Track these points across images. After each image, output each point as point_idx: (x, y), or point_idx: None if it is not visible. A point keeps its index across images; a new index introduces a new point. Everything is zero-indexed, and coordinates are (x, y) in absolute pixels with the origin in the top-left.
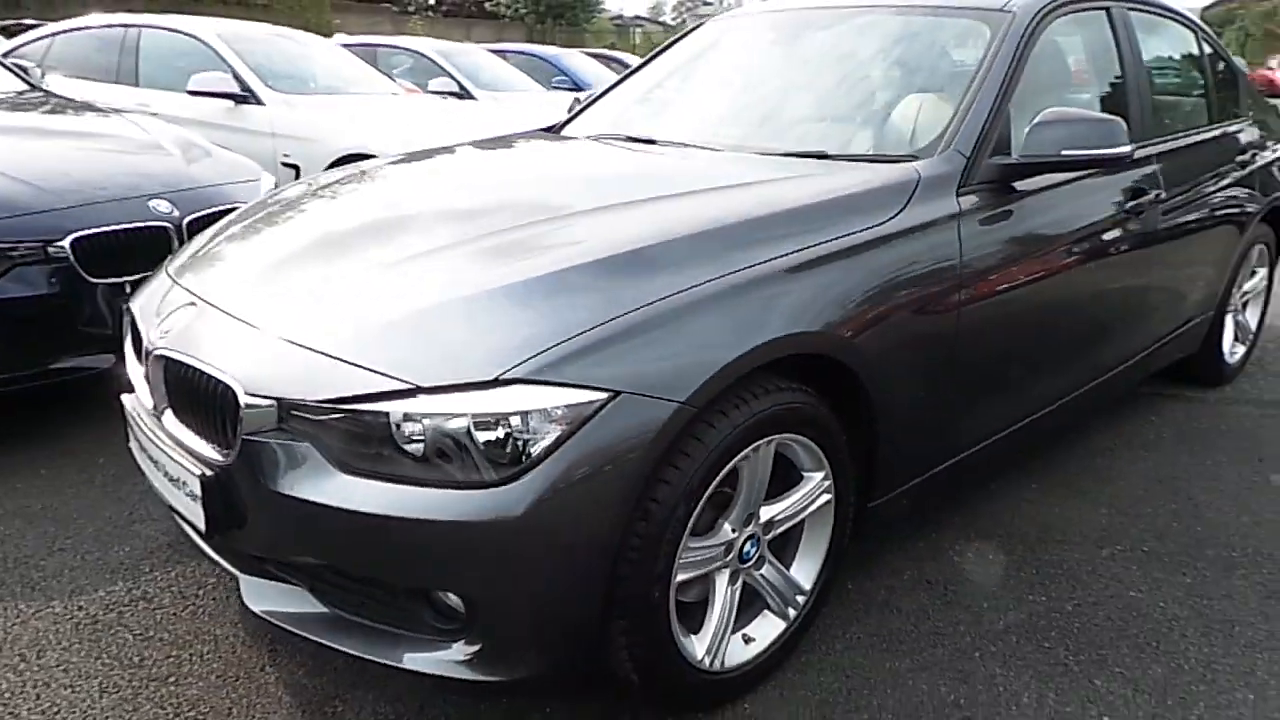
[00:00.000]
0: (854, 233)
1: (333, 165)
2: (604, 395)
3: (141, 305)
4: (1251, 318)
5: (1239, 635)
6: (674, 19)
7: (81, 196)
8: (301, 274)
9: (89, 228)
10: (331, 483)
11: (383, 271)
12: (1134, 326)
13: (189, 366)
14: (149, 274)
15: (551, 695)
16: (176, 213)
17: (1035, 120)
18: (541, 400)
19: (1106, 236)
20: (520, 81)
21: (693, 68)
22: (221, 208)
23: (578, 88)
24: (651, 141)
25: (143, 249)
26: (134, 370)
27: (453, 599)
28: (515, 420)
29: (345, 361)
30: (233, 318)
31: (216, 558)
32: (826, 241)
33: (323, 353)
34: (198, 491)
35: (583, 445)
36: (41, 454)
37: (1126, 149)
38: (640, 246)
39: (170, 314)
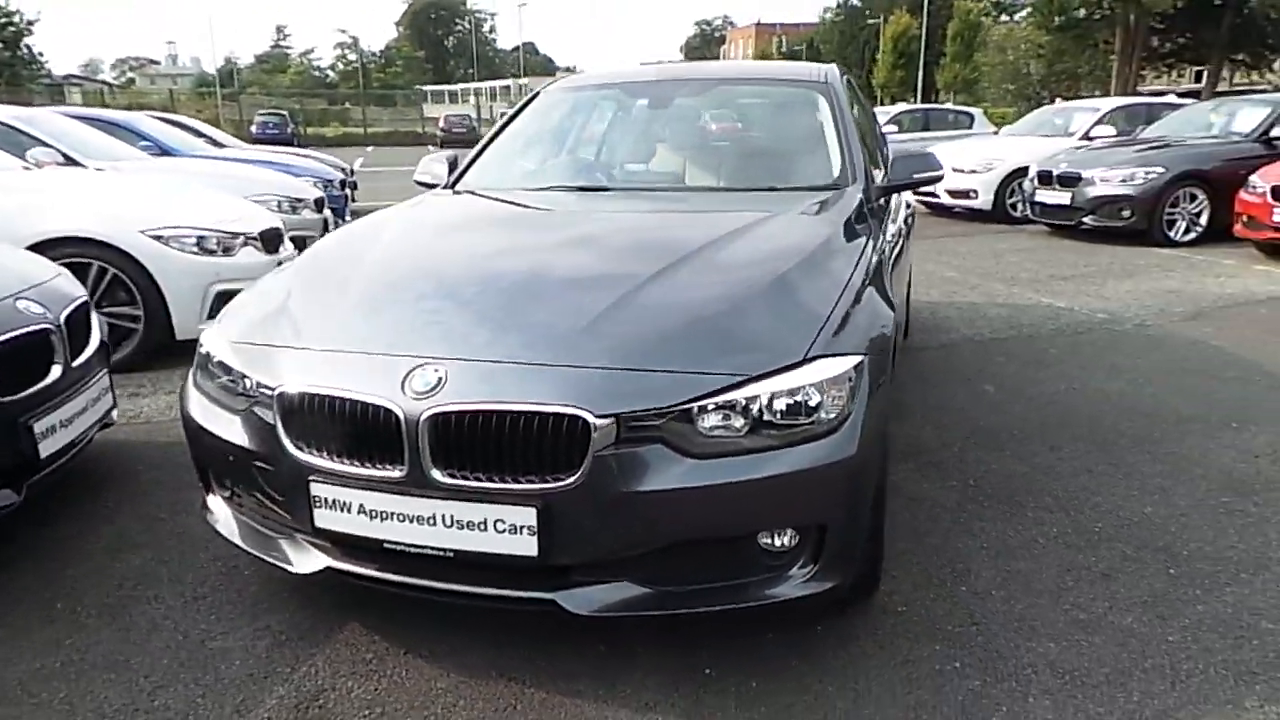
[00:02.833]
0: (860, 227)
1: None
2: (861, 357)
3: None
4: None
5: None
6: (115, 76)
7: None
8: (538, 313)
9: None
10: (686, 470)
11: (618, 299)
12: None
13: (498, 413)
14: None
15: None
16: (50, 313)
17: (893, 158)
18: (839, 366)
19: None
20: (123, 149)
21: (572, 127)
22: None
23: (164, 153)
24: (605, 189)
25: (24, 358)
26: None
27: (780, 538)
28: (828, 384)
29: (681, 372)
30: (515, 363)
31: (499, 593)
32: (859, 238)
33: (654, 370)
34: (531, 522)
35: (862, 392)
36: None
37: (943, 171)
38: (804, 256)
39: (408, 378)
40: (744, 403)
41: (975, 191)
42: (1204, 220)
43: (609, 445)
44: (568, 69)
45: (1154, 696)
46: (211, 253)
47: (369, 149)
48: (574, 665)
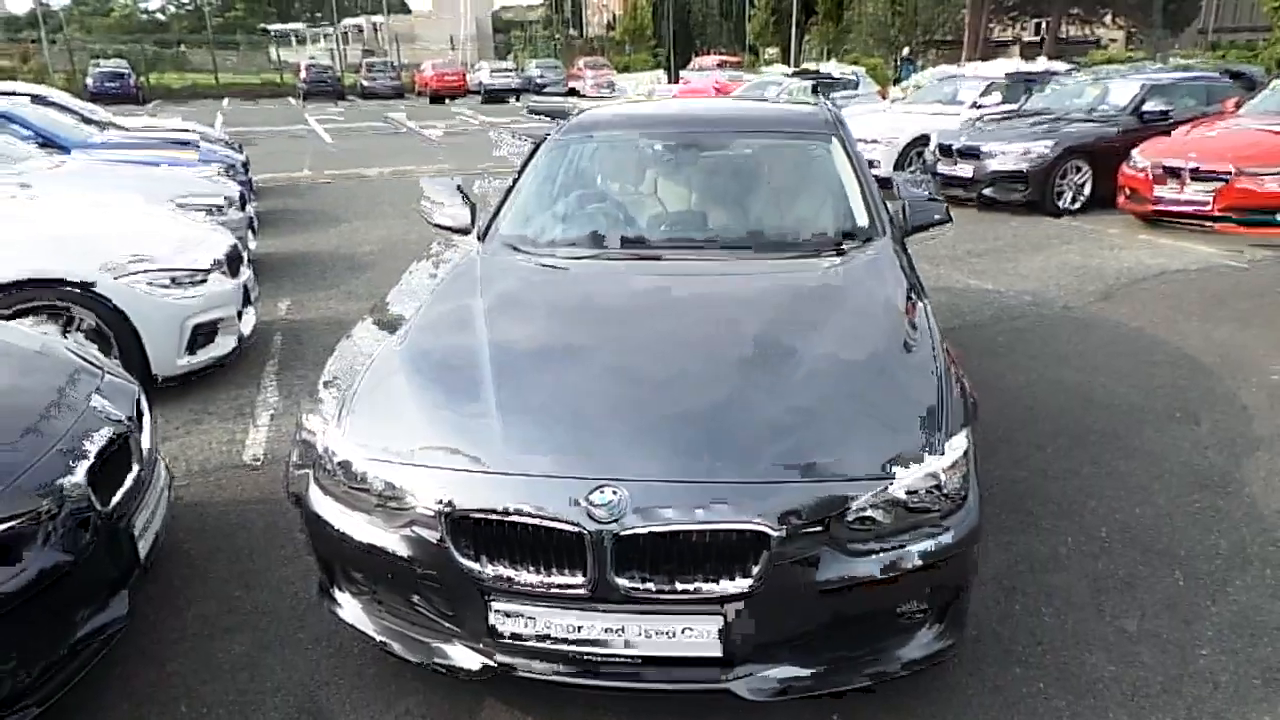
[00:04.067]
0: (911, 285)
1: None
2: (967, 436)
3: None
4: None
5: None
6: None
7: (43, 421)
8: (690, 425)
9: (96, 449)
10: (846, 564)
11: (759, 404)
12: None
13: (679, 531)
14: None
15: None
16: (121, 410)
17: (910, 205)
18: (957, 451)
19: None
20: (12, 148)
21: (597, 174)
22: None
23: (48, 143)
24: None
25: (113, 458)
26: (519, 569)
27: (912, 604)
28: (953, 470)
29: (836, 479)
30: (691, 482)
31: (680, 687)
32: (918, 299)
33: (815, 480)
34: (716, 626)
35: (972, 465)
36: None
37: (948, 216)
38: (893, 333)
39: (587, 499)
40: (888, 498)
41: (878, 162)
42: (1088, 190)
43: (784, 551)
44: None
45: (1203, 701)
46: (182, 285)
47: (224, 103)
48: None
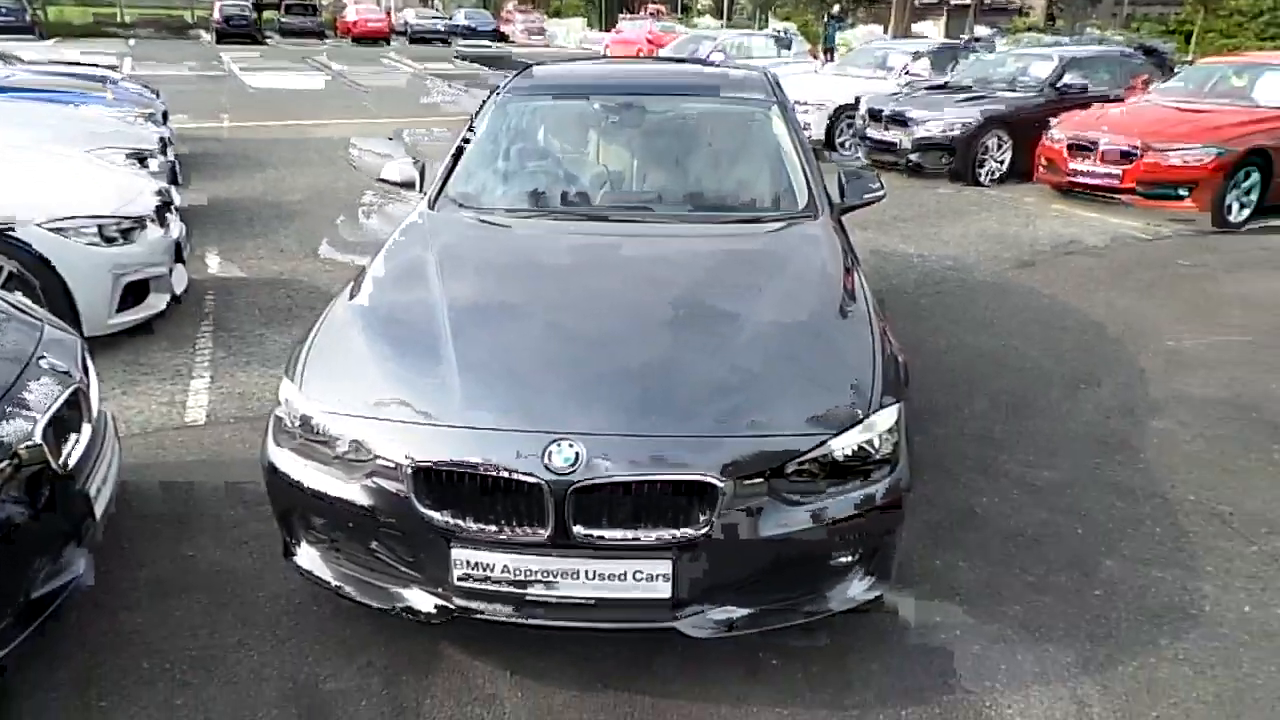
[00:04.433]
0: (848, 260)
1: None
2: (900, 403)
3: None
4: None
5: None
6: None
7: None
8: (641, 381)
9: (47, 408)
10: (786, 515)
11: (705, 363)
12: None
13: (632, 482)
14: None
15: None
16: (73, 370)
17: (846, 180)
18: (890, 418)
19: None
20: None
21: (540, 137)
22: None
23: None
24: (605, 217)
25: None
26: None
27: (845, 556)
28: (884, 434)
29: (779, 435)
30: (645, 436)
31: (630, 626)
32: (856, 274)
33: (759, 435)
34: (666, 571)
35: (903, 431)
36: None
37: (883, 192)
38: (834, 304)
39: (545, 453)
40: (828, 455)
41: (809, 125)
42: (1007, 161)
43: (730, 502)
44: None
45: (1099, 643)
46: (112, 241)
47: (131, 43)
48: (665, 669)
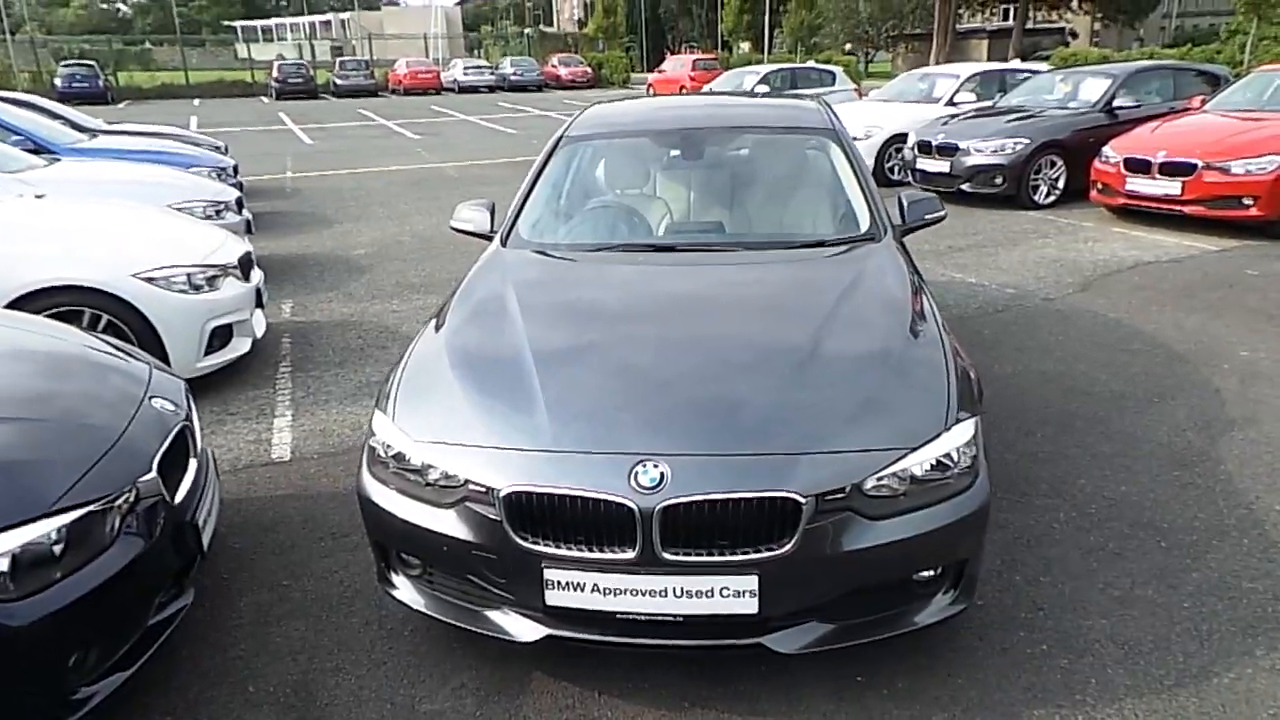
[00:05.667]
0: (915, 281)
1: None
2: (977, 417)
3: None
4: None
5: None
6: None
7: (110, 410)
8: (725, 404)
9: (160, 443)
10: (868, 531)
11: (785, 384)
12: None
13: (716, 501)
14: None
15: None
16: (180, 409)
17: (907, 203)
18: (967, 431)
19: None
20: (9, 153)
21: (607, 176)
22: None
23: (39, 148)
24: (672, 248)
25: (175, 452)
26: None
27: (924, 574)
28: (962, 447)
29: (858, 451)
30: (728, 455)
31: (717, 643)
32: (923, 294)
33: (839, 452)
34: (752, 587)
35: (981, 445)
36: None
37: (943, 213)
38: (906, 324)
39: (632, 474)
40: (906, 470)
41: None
42: (1061, 184)
43: (812, 518)
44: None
45: (1192, 655)
46: (199, 289)
47: (196, 103)
48: (751, 688)
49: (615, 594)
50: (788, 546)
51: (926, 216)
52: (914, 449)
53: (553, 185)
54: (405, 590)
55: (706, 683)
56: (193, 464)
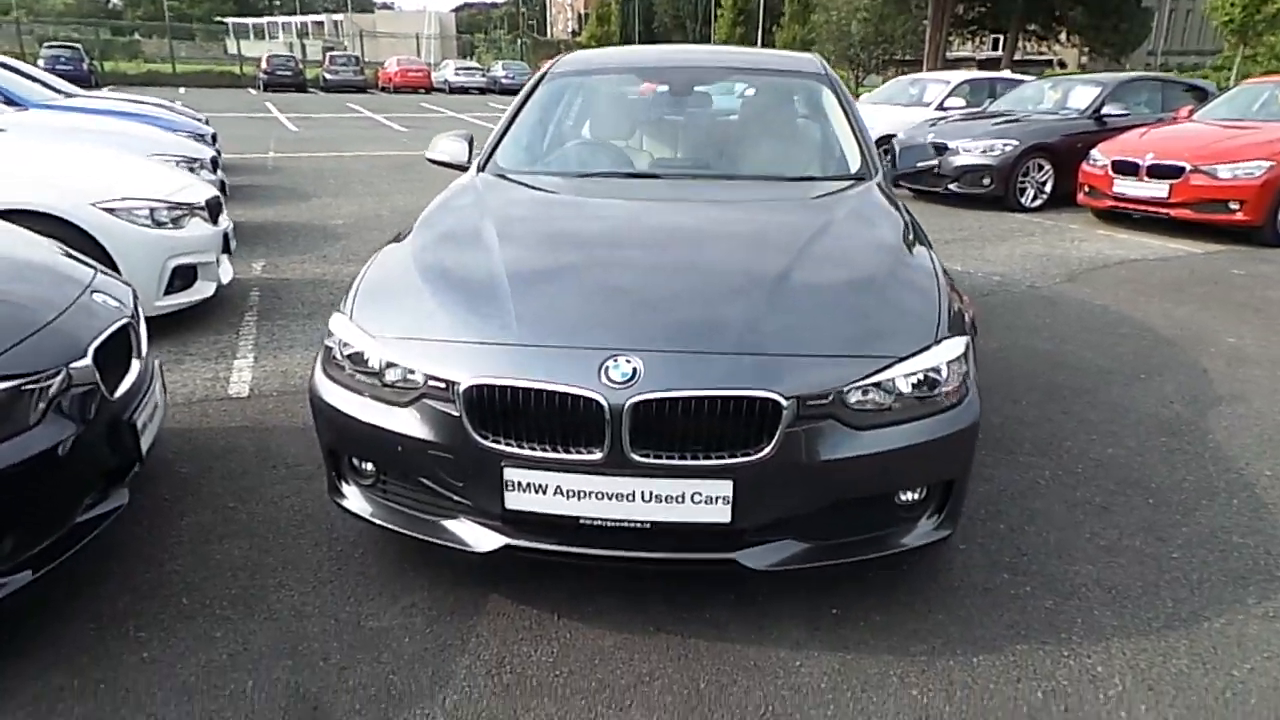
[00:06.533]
0: (906, 218)
1: None
2: (968, 337)
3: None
4: None
5: None
6: None
7: (44, 297)
8: (701, 302)
9: (98, 333)
10: (852, 441)
11: (768, 288)
12: None
13: (696, 399)
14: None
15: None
16: (124, 306)
17: (899, 149)
18: (958, 347)
19: None
20: None
21: (592, 110)
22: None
23: (11, 103)
24: (655, 176)
25: (115, 354)
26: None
27: (912, 494)
28: (952, 363)
29: (845, 356)
30: (705, 353)
31: (685, 556)
32: (912, 229)
33: (823, 355)
34: (726, 493)
35: (972, 367)
36: None
37: (937, 161)
38: (896, 246)
39: (602, 369)
40: (892, 381)
41: None
42: (1049, 188)
43: (793, 422)
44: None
45: (1182, 601)
46: (163, 225)
47: (181, 91)
48: (719, 614)
49: (579, 497)
50: (765, 450)
51: (918, 164)
52: (901, 359)
53: (535, 119)
54: (355, 500)
55: (672, 608)
56: (135, 364)
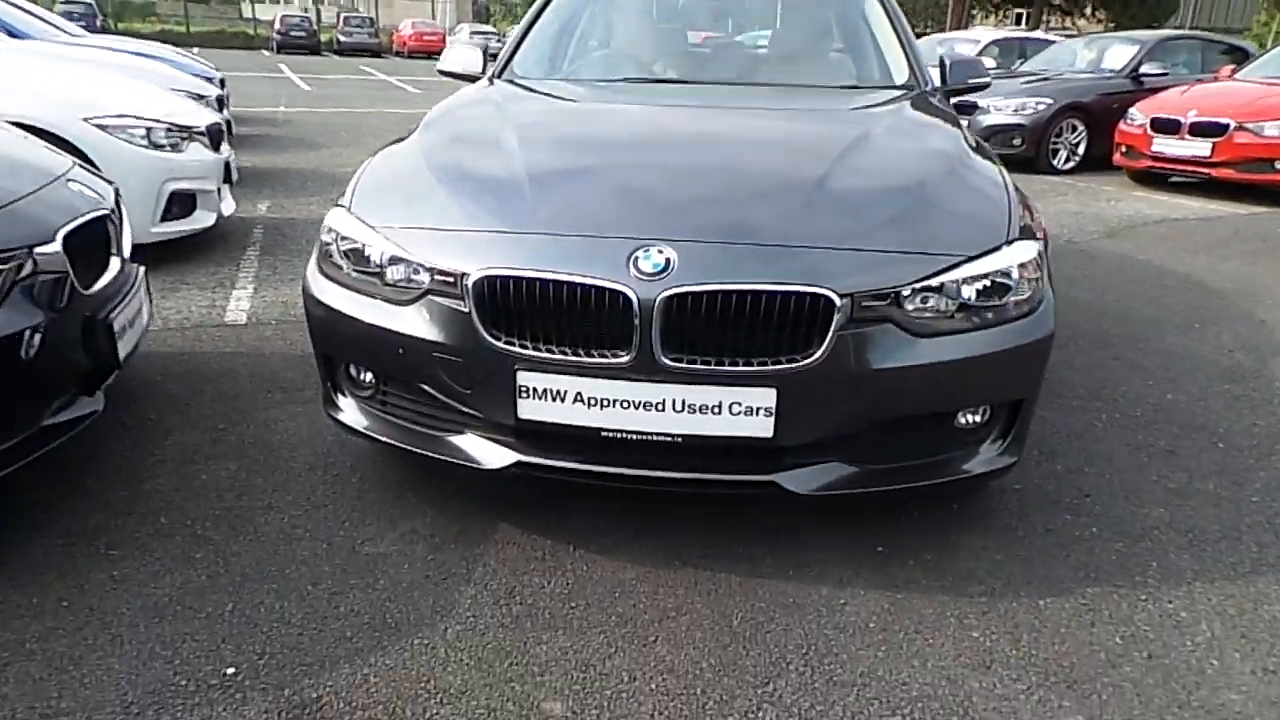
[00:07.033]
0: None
1: None
2: (1040, 242)
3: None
4: None
5: None
6: None
7: (8, 182)
8: (744, 194)
9: (72, 218)
10: (912, 348)
11: (818, 183)
12: None
13: (737, 293)
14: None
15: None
16: (104, 198)
17: (950, 63)
18: (1031, 250)
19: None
20: None
21: (618, 16)
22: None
23: (13, 36)
24: (685, 82)
25: (90, 248)
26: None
27: (974, 416)
28: (1024, 267)
29: (904, 253)
30: (747, 244)
31: (721, 477)
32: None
33: (881, 250)
34: (770, 404)
35: (1046, 275)
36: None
37: (989, 79)
38: (958, 149)
39: (631, 259)
40: (957, 285)
41: None
42: (1082, 150)
43: (846, 325)
44: None
45: (1267, 547)
46: (160, 147)
47: (194, 51)
48: (754, 550)
49: (601, 405)
50: (815, 355)
51: (970, 80)
52: (970, 258)
53: (556, 26)
54: (352, 413)
55: (701, 541)
56: (114, 261)
